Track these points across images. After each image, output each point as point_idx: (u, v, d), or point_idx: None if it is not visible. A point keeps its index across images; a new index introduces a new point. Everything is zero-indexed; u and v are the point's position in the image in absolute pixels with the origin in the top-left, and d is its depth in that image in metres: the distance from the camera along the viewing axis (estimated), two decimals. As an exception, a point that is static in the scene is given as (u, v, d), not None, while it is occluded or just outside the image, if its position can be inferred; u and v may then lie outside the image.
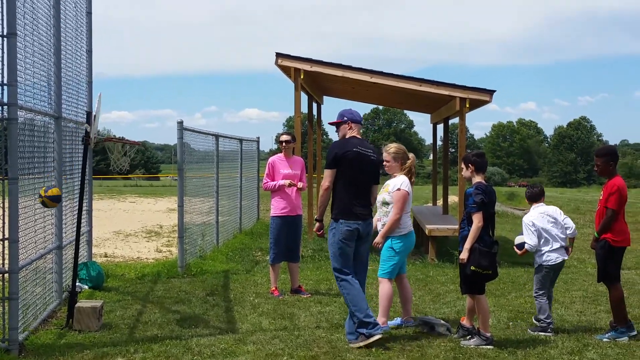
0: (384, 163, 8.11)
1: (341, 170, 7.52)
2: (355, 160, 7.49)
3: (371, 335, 7.16)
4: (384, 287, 8.08)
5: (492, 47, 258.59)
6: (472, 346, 7.25)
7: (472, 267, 7.30)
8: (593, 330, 8.13)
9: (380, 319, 7.85)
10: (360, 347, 7.11)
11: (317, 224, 7.94)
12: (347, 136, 7.72)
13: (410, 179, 8.11)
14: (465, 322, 7.66)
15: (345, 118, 7.76)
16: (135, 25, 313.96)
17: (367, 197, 7.63)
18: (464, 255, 7.34)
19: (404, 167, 8.12)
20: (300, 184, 10.03)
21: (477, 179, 7.53)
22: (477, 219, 7.28)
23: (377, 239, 8.01)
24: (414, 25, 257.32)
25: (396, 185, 7.99)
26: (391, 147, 8.17)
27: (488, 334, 7.36)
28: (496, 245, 7.47)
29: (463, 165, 7.69)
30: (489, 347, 7.23)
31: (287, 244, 10.01)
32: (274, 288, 10.11)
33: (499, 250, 7.60)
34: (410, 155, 8.25)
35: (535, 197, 8.44)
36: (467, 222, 7.44)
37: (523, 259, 14.13)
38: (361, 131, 7.91)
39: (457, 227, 13.78)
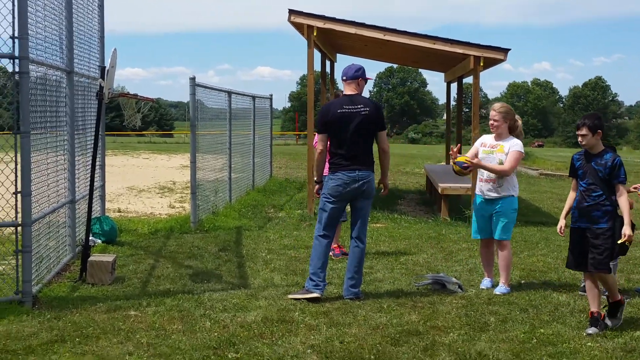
0: (491, 122, 8.00)
1: (331, 133, 7.51)
2: (340, 122, 7.42)
3: (309, 292, 7.35)
4: (509, 250, 8.06)
5: (506, 7, 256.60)
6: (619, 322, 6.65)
7: (627, 243, 6.54)
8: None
9: (506, 282, 7.97)
10: (294, 298, 7.34)
11: (316, 186, 7.87)
12: (340, 95, 7.75)
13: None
14: (596, 312, 6.63)
15: (342, 77, 7.75)
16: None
17: (360, 152, 7.47)
18: (630, 230, 6.43)
19: (517, 131, 8.06)
20: None
21: (601, 144, 6.67)
22: (626, 192, 6.60)
23: (475, 162, 7.90)
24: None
25: (515, 146, 7.91)
26: (501, 107, 8.02)
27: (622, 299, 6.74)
28: None
29: (586, 131, 6.54)
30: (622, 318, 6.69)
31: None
32: (335, 246, 9.94)
33: None
34: (517, 117, 8.15)
35: None
36: (607, 190, 6.53)
37: (537, 219, 14.13)
38: (362, 84, 7.67)
39: (469, 185, 13.70)
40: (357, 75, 7.64)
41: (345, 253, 9.61)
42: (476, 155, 8.04)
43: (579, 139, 6.67)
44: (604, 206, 6.54)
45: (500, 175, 7.88)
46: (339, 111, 7.46)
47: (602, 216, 6.54)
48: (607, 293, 7.76)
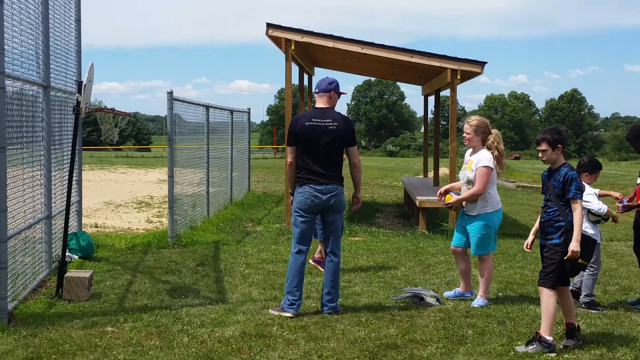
0: (464, 135, 8.01)
1: (299, 146, 7.47)
2: (308, 135, 7.39)
3: (284, 310, 7.36)
4: (489, 264, 8.07)
5: (483, 20, 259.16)
6: (529, 352, 6.23)
7: (581, 261, 6.35)
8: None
9: (483, 295, 8.00)
10: (273, 314, 7.35)
11: (291, 198, 7.78)
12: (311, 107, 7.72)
13: (497, 157, 7.97)
14: (570, 324, 6.55)
15: (315, 89, 7.72)
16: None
17: (327, 166, 7.43)
18: (577, 247, 6.28)
19: (487, 144, 7.98)
20: None
21: (562, 159, 6.54)
22: (581, 207, 6.36)
23: (453, 201, 8.03)
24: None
25: (480, 161, 7.84)
26: (473, 120, 8.02)
27: (549, 339, 6.31)
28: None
29: (546, 147, 6.49)
30: (552, 354, 6.23)
31: None
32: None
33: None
34: (493, 130, 8.06)
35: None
36: (561, 206, 6.42)
37: (514, 231, 14.21)
38: (335, 97, 7.64)
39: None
40: (329, 89, 7.61)
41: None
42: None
43: (540, 154, 6.60)
44: (557, 222, 6.45)
45: (479, 196, 7.89)
46: (307, 124, 7.42)
47: (555, 232, 6.46)
48: (583, 305, 7.83)
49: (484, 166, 7.83)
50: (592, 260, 7.89)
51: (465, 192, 7.97)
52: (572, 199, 6.39)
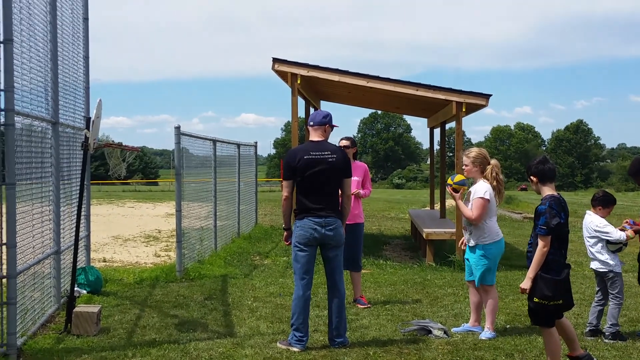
0: (463, 167, 8.13)
1: (297, 179, 7.50)
2: (307, 168, 7.41)
3: (291, 345, 7.33)
4: (492, 296, 8.06)
5: (486, 52, 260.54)
6: None
7: (536, 299, 6.16)
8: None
9: (490, 327, 7.97)
10: (281, 348, 7.33)
11: (285, 233, 7.83)
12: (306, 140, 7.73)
13: (496, 187, 7.99)
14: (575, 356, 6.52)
15: (309, 122, 7.77)
16: (132, 30, 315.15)
17: (327, 199, 7.46)
18: (525, 284, 6.19)
19: (485, 174, 8.04)
20: (361, 192, 9.78)
21: (547, 191, 6.32)
22: (542, 243, 6.11)
23: (456, 194, 8.13)
24: (410, 30, 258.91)
25: (477, 192, 7.94)
26: (472, 152, 8.09)
27: None
28: (566, 269, 6.28)
29: (528, 177, 6.49)
30: None
31: (347, 253, 8.85)
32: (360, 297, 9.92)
33: (569, 274, 6.33)
34: (492, 161, 8.10)
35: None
36: (536, 240, 6.23)
37: (521, 262, 14.18)
38: (329, 130, 7.70)
39: (454, 230, 13.82)
40: (324, 122, 7.65)
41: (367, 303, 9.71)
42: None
43: None
44: (531, 258, 6.28)
45: (470, 222, 8.00)
46: (305, 157, 7.44)
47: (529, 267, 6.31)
48: (609, 335, 7.79)
49: (479, 197, 7.93)
50: (616, 291, 7.91)
51: (464, 207, 8.06)
52: (538, 234, 6.19)
